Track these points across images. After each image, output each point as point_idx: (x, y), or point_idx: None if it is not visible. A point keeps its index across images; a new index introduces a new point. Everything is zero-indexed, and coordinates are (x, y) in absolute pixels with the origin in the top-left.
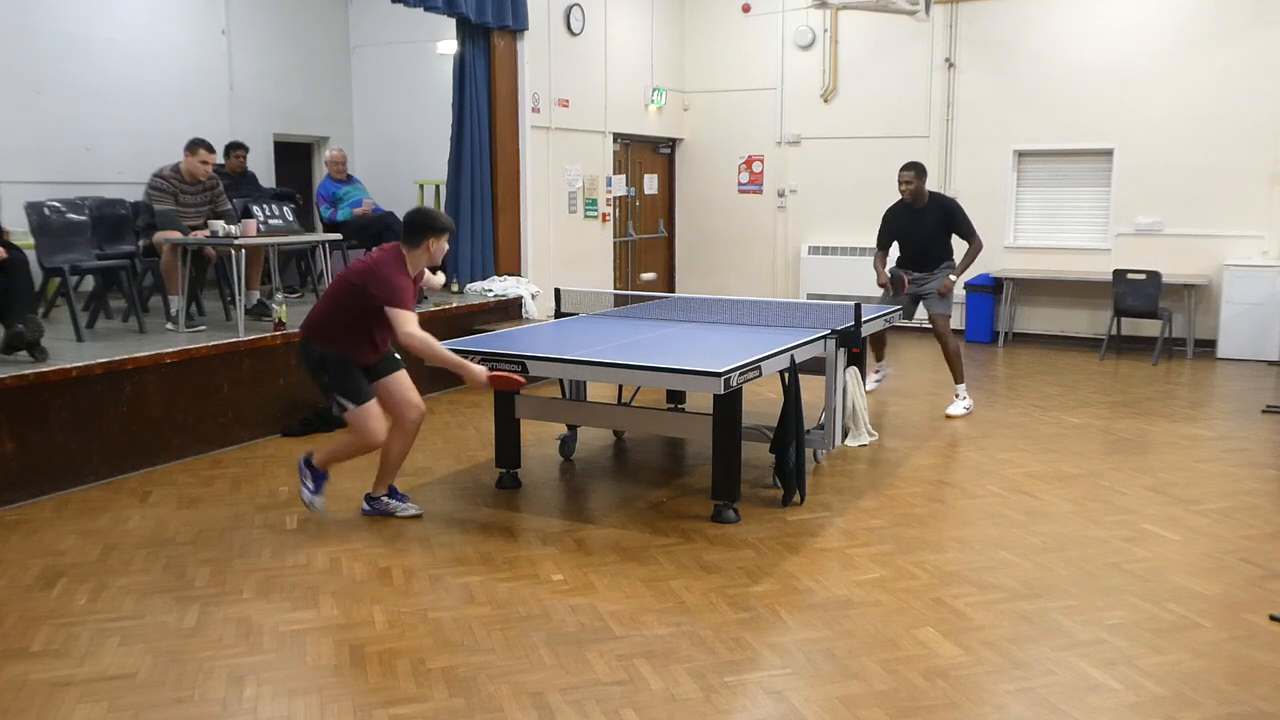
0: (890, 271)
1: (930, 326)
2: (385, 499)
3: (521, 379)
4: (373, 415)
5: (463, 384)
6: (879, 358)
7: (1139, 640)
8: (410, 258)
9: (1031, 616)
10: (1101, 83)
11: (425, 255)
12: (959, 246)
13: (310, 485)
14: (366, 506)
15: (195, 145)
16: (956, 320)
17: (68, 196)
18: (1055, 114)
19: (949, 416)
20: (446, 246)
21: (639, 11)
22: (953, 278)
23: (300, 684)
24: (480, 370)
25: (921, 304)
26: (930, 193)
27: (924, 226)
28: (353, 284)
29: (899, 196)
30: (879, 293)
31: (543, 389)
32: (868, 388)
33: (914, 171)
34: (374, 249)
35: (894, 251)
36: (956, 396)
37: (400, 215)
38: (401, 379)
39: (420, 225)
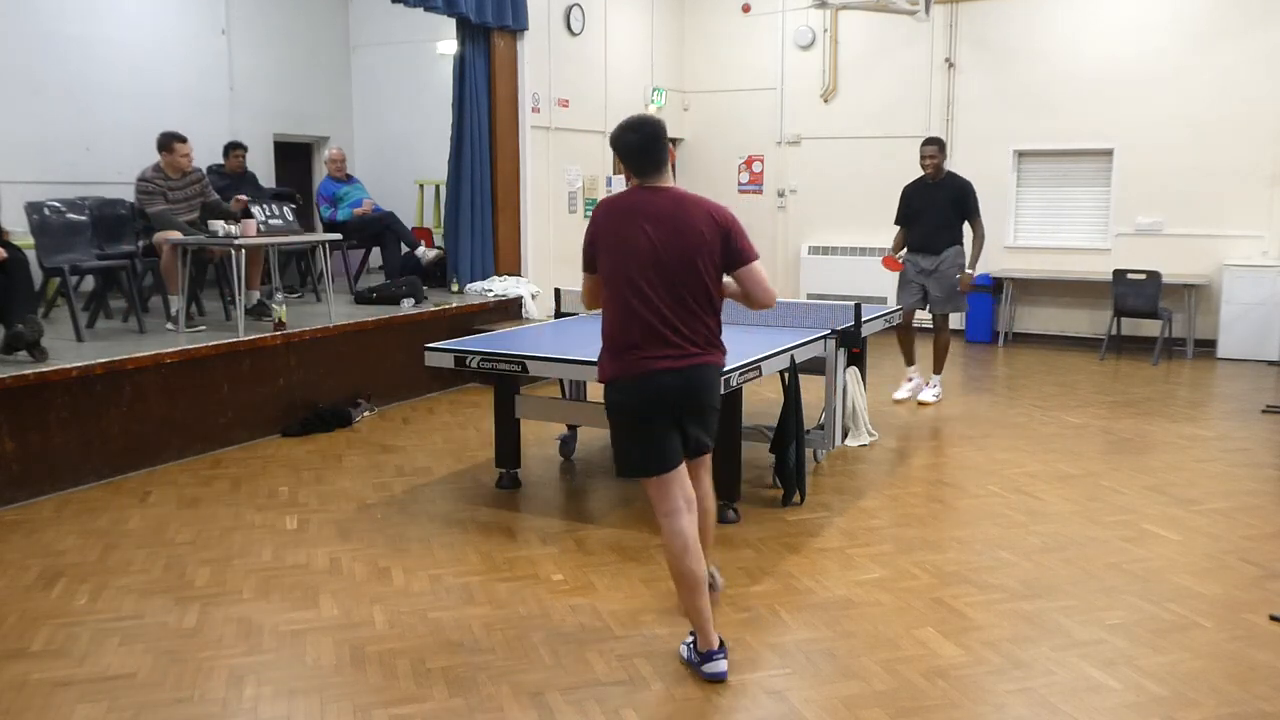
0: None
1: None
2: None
3: None
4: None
5: (465, 383)
6: (909, 361)
7: (1139, 640)
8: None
9: (1031, 616)
10: (1101, 83)
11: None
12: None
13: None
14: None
15: (169, 139)
16: (956, 319)
17: (68, 196)
18: (1055, 114)
19: (921, 404)
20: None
21: (639, 11)
22: (970, 271)
23: (300, 684)
24: None
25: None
26: (948, 171)
27: (937, 203)
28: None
29: (897, 196)
30: (878, 293)
31: (543, 389)
32: (900, 395)
33: (936, 146)
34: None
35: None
36: (927, 384)
37: (400, 215)
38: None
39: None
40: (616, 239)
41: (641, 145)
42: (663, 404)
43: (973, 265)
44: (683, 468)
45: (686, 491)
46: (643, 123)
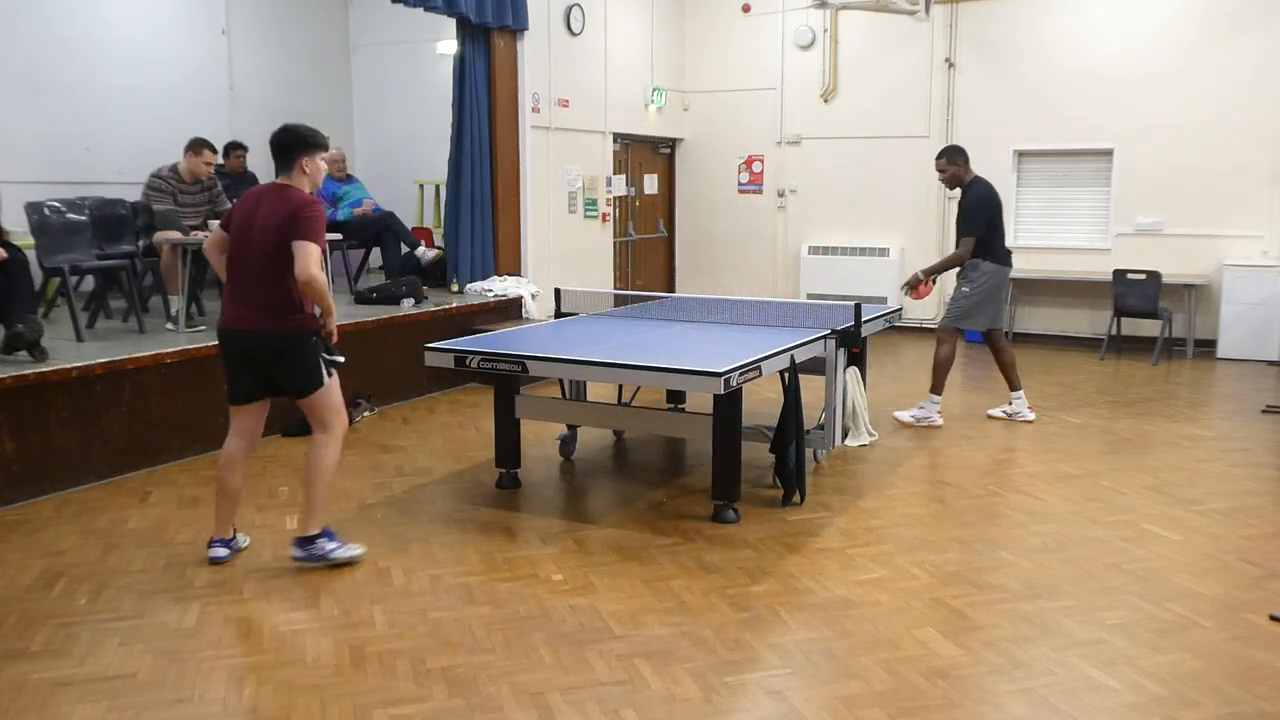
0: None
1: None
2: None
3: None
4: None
5: (465, 383)
6: (1013, 385)
7: (1139, 640)
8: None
9: (1031, 616)
10: (1101, 83)
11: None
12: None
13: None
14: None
15: (199, 145)
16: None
17: (68, 196)
18: (1055, 114)
19: (897, 419)
20: (323, 166)
21: (639, 11)
22: (918, 274)
23: (300, 684)
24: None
25: None
26: (975, 178)
27: (957, 214)
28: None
29: (898, 196)
30: (878, 293)
31: (543, 389)
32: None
33: (945, 158)
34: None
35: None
36: (919, 406)
37: (400, 215)
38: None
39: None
40: (240, 218)
41: (277, 145)
42: (241, 355)
43: (928, 273)
44: (251, 406)
45: (244, 424)
46: (288, 128)
